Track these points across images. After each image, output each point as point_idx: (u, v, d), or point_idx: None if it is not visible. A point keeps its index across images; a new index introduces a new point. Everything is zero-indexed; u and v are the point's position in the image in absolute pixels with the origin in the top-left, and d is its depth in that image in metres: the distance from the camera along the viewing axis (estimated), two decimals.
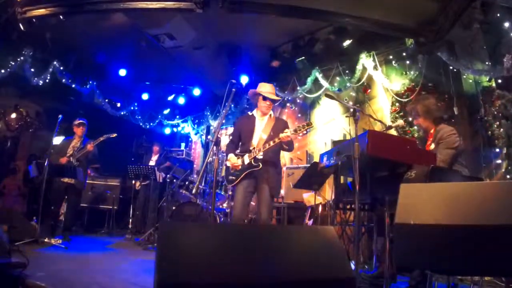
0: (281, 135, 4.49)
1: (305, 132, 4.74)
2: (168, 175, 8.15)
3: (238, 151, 4.99)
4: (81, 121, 7.17)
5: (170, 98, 11.71)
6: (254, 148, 4.77)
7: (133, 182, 8.88)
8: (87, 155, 6.98)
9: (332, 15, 6.63)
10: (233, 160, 4.81)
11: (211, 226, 2.32)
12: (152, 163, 8.96)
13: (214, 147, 4.38)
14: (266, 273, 1.80)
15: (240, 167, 4.76)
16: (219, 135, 4.51)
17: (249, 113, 5.19)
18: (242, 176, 4.73)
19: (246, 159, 4.75)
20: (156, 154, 9.28)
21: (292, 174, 7.62)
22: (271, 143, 4.59)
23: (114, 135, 7.07)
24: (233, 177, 4.82)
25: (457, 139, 3.93)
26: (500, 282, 4.12)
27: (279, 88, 9.28)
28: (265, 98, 4.94)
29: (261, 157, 4.70)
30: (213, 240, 1.90)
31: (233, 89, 4.51)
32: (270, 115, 5.04)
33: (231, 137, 5.23)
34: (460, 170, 3.87)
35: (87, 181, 9.11)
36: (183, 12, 6.83)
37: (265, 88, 5.02)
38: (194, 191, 5.53)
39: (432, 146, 4.02)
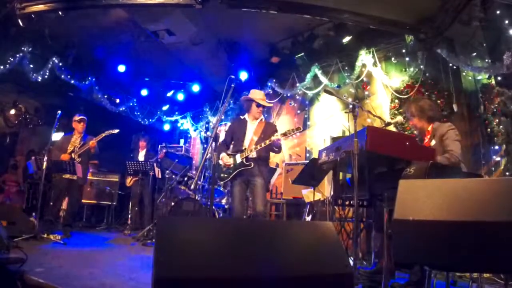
0: (272, 137, 4.87)
1: (294, 135, 4.93)
2: (167, 171, 8.14)
3: (230, 151, 5.36)
4: (82, 116, 7.16)
5: (169, 94, 11.68)
6: (245, 148, 5.14)
7: (125, 178, 8.86)
8: (89, 152, 6.99)
9: (331, 11, 6.62)
10: (225, 159, 5.19)
11: (209, 221, 2.32)
12: (141, 159, 8.88)
13: (213, 143, 4.41)
14: (264, 268, 1.80)
15: (232, 165, 5.14)
16: (218, 131, 4.57)
17: (241, 117, 5.57)
18: (234, 174, 5.11)
19: (238, 158, 5.13)
20: (143, 149, 9.17)
21: (291, 170, 7.62)
22: (262, 144, 4.96)
23: (116, 131, 7.09)
24: (225, 175, 5.21)
25: (457, 132, 3.98)
26: (499, 280, 4.12)
27: (278, 85, 9.28)
28: (259, 105, 5.37)
29: (254, 156, 5.08)
30: (211, 235, 1.90)
31: (232, 85, 4.61)
32: (261, 119, 5.49)
33: (224, 138, 5.59)
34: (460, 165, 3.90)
35: (87, 177, 9.15)
36: (182, 7, 6.82)
37: (258, 95, 5.51)
38: (192, 186, 5.67)
39: (433, 142, 4.03)
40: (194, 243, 1.79)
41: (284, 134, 4.89)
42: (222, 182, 5.48)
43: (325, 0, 6.40)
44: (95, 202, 9.22)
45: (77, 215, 8.45)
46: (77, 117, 7.14)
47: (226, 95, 4.53)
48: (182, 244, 1.75)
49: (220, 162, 5.23)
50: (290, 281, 1.83)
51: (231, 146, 5.48)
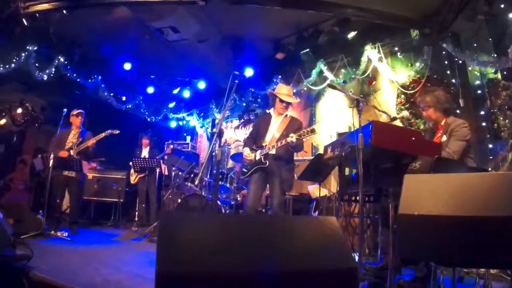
0: (287, 138, 4.77)
1: (308, 137, 4.83)
2: (173, 168, 8.14)
3: (255, 145, 5.28)
4: (80, 110, 7.15)
5: (175, 91, 11.71)
6: (266, 145, 5.09)
7: (130, 176, 8.89)
8: (86, 150, 6.96)
9: (335, 7, 6.60)
10: (246, 153, 5.19)
11: (212, 217, 2.31)
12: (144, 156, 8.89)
13: (217, 139, 4.40)
14: (267, 263, 1.80)
15: (252, 161, 5.13)
16: (223, 128, 4.56)
17: (267, 111, 5.50)
18: (252, 170, 5.09)
19: (258, 155, 5.10)
20: (146, 146, 9.16)
21: (297, 166, 7.58)
22: (278, 144, 4.89)
23: (117, 131, 7.09)
24: (245, 170, 5.24)
25: (469, 132, 3.91)
26: (507, 276, 4.10)
27: (284, 81, 9.25)
28: (282, 100, 5.21)
29: (273, 153, 5.00)
30: (214, 230, 1.89)
31: (236, 81, 4.55)
32: (286, 115, 5.34)
33: (250, 132, 5.61)
34: (469, 163, 3.85)
35: (94, 175, 9.19)
36: (186, 4, 6.82)
37: (283, 90, 5.32)
38: (196, 182, 5.67)
39: (444, 138, 3.97)
40: (197, 239, 1.79)
41: (299, 136, 4.76)
42: (243, 177, 5.45)
43: None
44: (102, 199, 9.25)
45: (83, 212, 8.49)
46: (75, 111, 7.12)
47: (230, 92, 4.51)
48: (185, 239, 1.74)
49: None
50: (293, 276, 1.82)
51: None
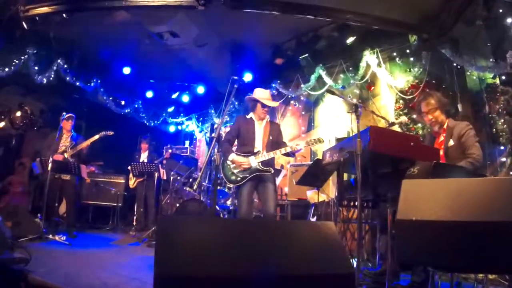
0: (296, 146, 4.85)
1: (316, 145, 4.90)
2: (172, 172, 8.12)
3: (239, 151, 5.14)
4: (70, 114, 7.11)
5: (174, 96, 11.68)
6: (259, 151, 5.00)
7: (129, 180, 8.88)
8: (80, 153, 6.95)
9: (334, 12, 6.61)
10: (240, 160, 4.94)
11: (210, 221, 2.31)
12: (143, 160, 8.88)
13: (216, 144, 4.40)
14: (265, 266, 1.80)
15: (247, 168, 4.93)
16: (222, 132, 4.55)
17: (247, 116, 5.38)
18: (250, 177, 4.91)
19: (253, 161, 4.93)
20: (145, 151, 9.16)
21: (296, 171, 7.60)
22: (283, 150, 4.89)
23: (111, 133, 7.07)
24: (239, 178, 4.97)
25: (475, 132, 3.93)
26: (505, 281, 4.09)
27: (283, 86, 9.26)
28: (264, 105, 5.19)
29: (265, 159, 4.93)
30: (212, 234, 1.90)
31: (235, 86, 4.56)
32: (267, 119, 5.34)
33: (227, 135, 5.37)
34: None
35: (92, 178, 9.17)
36: (185, 9, 6.83)
37: (263, 95, 5.31)
38: (194, 187, 5.61)
39: (451, 143, 3.95)
40: (194, 242, 1.79)
41: (307, 143, 4.89)
42: (232, 185, 5.33)
43: (328, 1, 6.39)
44: (100, 203, 9.23)
45: (81, 216, 8.46)
46: (66, 115, 7.04)
47: (228, 96, 4.51)
48: (182, 243, 1.75)
49: (230, 163, 5.03)
50: (290, 280, 1.82)
51: (236, 145, 5.32)
